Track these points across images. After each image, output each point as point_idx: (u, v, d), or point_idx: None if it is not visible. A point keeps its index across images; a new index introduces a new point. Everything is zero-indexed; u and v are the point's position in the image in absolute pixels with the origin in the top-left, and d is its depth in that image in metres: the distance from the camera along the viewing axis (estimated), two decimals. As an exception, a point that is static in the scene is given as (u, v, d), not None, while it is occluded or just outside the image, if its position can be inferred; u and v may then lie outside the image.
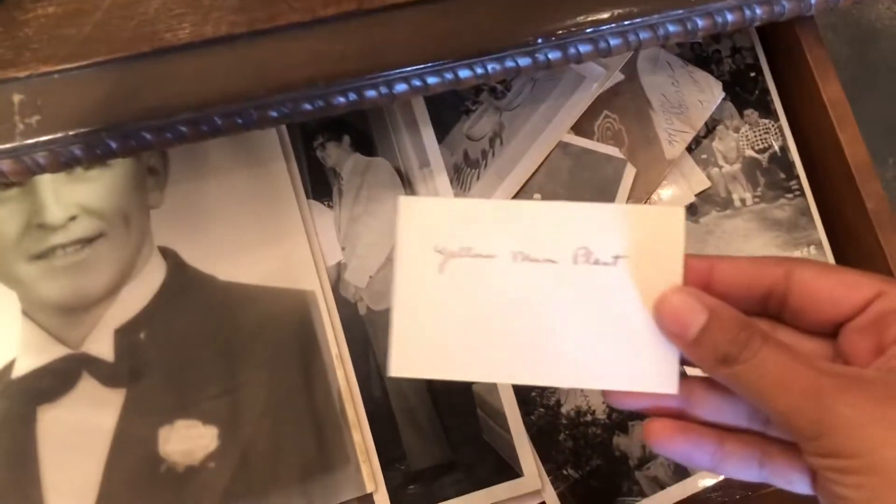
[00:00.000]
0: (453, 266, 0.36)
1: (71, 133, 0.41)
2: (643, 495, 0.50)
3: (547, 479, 0.49)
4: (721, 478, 0.51)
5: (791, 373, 0.30)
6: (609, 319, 0.35)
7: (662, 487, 0.50)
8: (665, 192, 0.54)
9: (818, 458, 0.29)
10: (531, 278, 0.36)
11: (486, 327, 0.36)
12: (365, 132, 0.53)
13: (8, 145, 0.40)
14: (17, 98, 0.40)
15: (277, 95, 0.42)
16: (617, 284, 0.35)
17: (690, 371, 0.36)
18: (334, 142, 0.53)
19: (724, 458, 0.34)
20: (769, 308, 0.34)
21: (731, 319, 0.32)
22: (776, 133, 0.55)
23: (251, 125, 0.44)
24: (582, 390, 0.51)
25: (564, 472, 0.50)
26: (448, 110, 0.54)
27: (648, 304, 0.35)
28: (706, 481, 0.50)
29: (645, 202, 0.53)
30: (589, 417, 0.51)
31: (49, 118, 0.40)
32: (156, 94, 0.41)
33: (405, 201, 0.36)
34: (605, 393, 0.35)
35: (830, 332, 0.34)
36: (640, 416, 0.51)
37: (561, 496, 0.49)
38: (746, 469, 0.34)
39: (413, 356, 0.36)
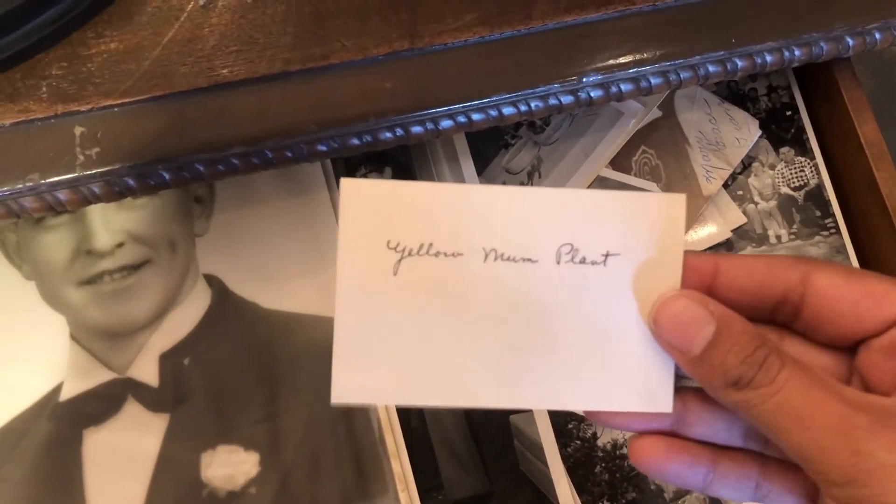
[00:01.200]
0: (410, 266, 0.29)
1: (127, 165, 0.42)
2: None
3: (583, 512, 0.50)
4: None
5: (817, 404, 0.25)
6: (596, 330, 0.30)
7: None
8: (702, 227, 0.54)
9: None
10: (506, 281, 0.30)
11: (450, 341, 0.29)
12: (406, 164, 0.54)
13: (68, 176, 0.41)
14: (78, 130, 0.41)
15: (329, 131, 0.44)
16: (607, 288, 0.30)
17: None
18: (376, 173, 0.54)
19: (717, 479, 0.30)
20: (779, 316, 0.30)
21: (745, 333, 0.26)
22: (812, 171, 0.55)
23: (301, 158, 0.45)
24: (617, 423, 0.52)
25: (600, 505, 0.50)
26: (488, 144, 0.55)
27: (644, 311, 0.29)
28: None
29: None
30: (625, 450, 0.51)
31: (108, 150, 0.42)
32: (211, 128, 0.42)
33: (348, 183, 0.29)
34: (588, 412, 0.31)
35: (848, 346, 0.29)
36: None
37: (598, 530, 0.49)
38: (741, 491, 0.30)
39: (360, 379, 0.30)
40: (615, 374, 0.30)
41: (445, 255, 0.29)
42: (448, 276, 0.29)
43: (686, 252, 0.29)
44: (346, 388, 0.30)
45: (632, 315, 0.29)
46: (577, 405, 0.31)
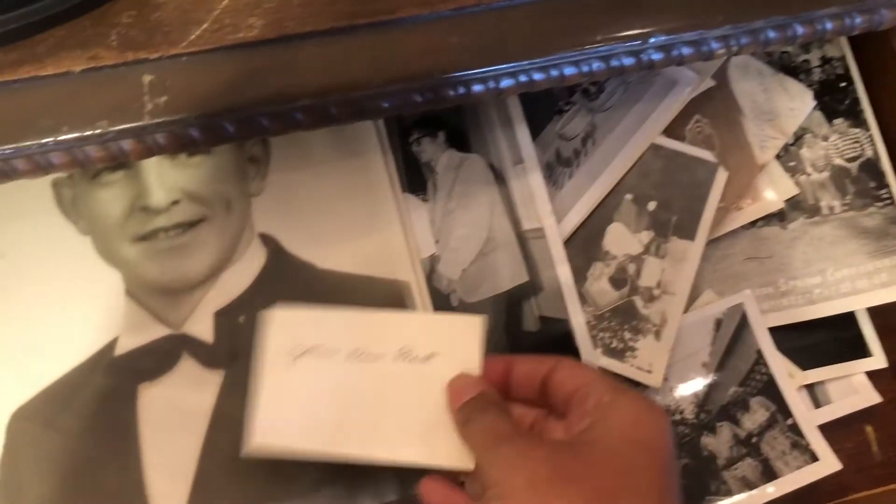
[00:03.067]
0: (305, 359, 0.44)
1: (194, 114, 0.42)
2: (731, 495, 0.50)
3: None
4: (811, 480, 0.51)
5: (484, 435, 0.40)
6: (421, 405, 0.43)
7: (751, 488, 0.50)
8: (754, 199, 0.54)
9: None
10: (364, 370, 0.44)
11: (327, 410, 0.43)
12: (460, 129, 0.54)
13: (136, 124, 0.41)
14: (147, 79, 0.41)
15: (393, 86, 0.43)
16: (429, 376, 0.44)
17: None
18: (430, 137, 0.54)
19: None
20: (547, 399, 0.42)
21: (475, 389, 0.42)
22: (867, 142, 0.55)
23: (363, 114, 0.45)
24: (672, 389, 0.52)
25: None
26: (541, 110, 0.55)
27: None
28: (795, 484, 0.50)
29: (735, 206, 0.53)
30: (678, 417, 0.51)
31: (175, 99, 0.41)
32: (278, 80, 0.42)
33: (270, 315, 0.45)
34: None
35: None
36: (727, 417, 0.52)
37: (654, 492, 0.49)
38: None
39: (269, 434, 0.43)
40: (435, 439, 0.42)
41: (327, 353, 0.44)
42: (328, 365, 0.44)
43: (486, 357, 0.43)
44: (259, 442, 0.43)
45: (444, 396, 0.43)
46: (408, 458, 0.43)
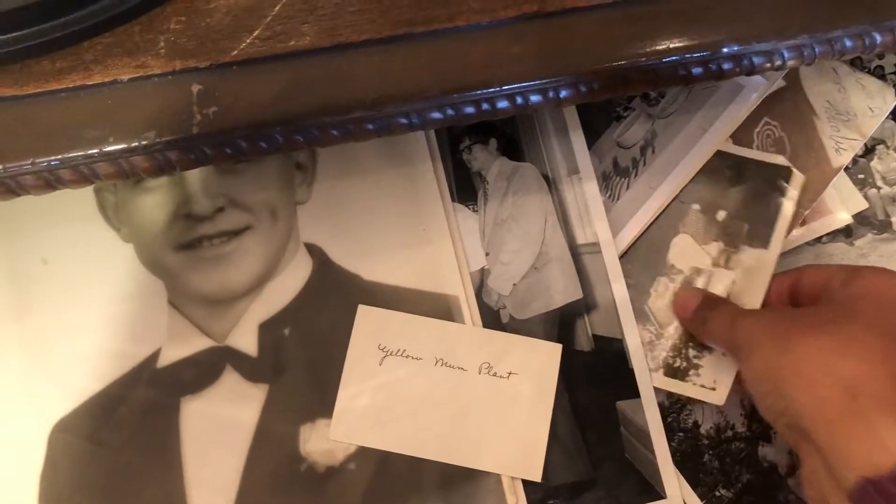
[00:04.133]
0: (390, 361, 0.48)
1: (244, 125, 0.40)
2: (802, 502, 0.48)
3: (698, 502, 0.48)
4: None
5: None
6: (499, 419, 0.47)
7: None
8: (820, 214, 0.52)
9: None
10: (446, 379, 0.48)
11: (407, 411, 0.47)
12: (512, 136, 0.52)
13: (183, 136, 0.40)
14: (196, 88, 0.40)
15: (451, 97, 0.42)
16: (509, 393, 0.48)
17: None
18: (481, 145, 0.52)
19: None
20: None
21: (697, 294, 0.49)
22: (943, 155, 0.52)
23: (415, 126, 0.43)
24: (718, 406, 0.50)
25: (717, 493, 0.48)
26: (599, 116, 0.52)
27: (530, 413, 0.48)
28: None
29: (807, 211, 0.51)
30: (730, 433, 0.49)
31: (225, 109, 0.40)
32: (331, 91, 0.41)
33: (363, 310, 0.48)
34: None
35: None
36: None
37: (716, 521, 0.48)
38: None
39: (350, 425, 0.47)
40: (508, 450, 0.47)
41: (412, 357, 0.48)
42: (411, 370, 0.48)
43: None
44: (340, 430, 0.47)
45: (521, 413, 0.48)
46: (480, 465, 0.47)
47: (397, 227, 0.50)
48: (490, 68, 0.41)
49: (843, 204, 0.52)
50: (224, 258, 0.49)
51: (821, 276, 0.44)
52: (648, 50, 0.42)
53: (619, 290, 0.49)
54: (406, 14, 0.41)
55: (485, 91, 0.42)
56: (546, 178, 0.51)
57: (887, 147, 0.53)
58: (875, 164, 0.53)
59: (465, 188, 0.51)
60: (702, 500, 0.48)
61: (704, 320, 0.46)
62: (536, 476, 0.47)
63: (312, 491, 0.46)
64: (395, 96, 0.41)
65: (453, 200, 0.51)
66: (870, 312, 0.38)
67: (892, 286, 0.40)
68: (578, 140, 0.51)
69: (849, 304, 0.40)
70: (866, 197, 0.52)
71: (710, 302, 0.47)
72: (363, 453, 0.47)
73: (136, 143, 0.40)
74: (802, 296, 0.46)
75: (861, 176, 0.53)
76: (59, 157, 0.39)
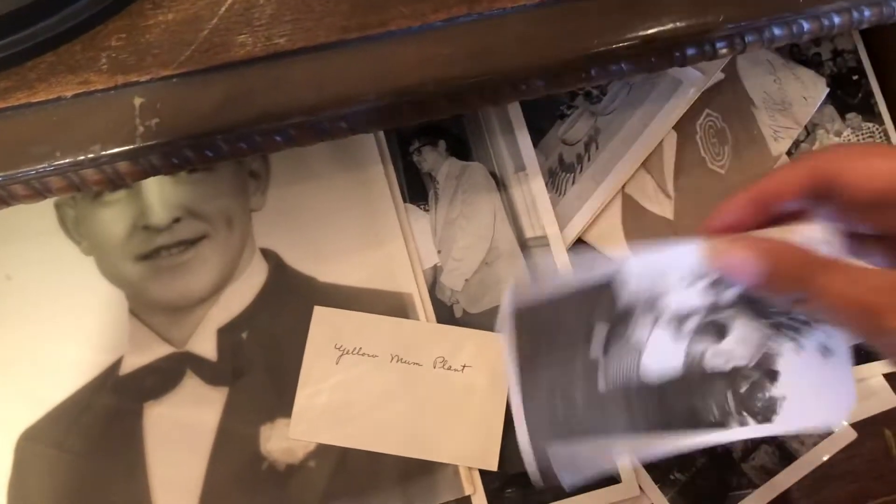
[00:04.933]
0: (346, 360, 0.49)
1: (186, 135, 0.42)
2: (754, 486, 0.49)
3: (653, 486, 0.49)
4: (828, 455, 0.50)
5: (848, 300, 0.30)
6: (454, 411, 0.48)
7: (771, 475, 0.49)
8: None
9: None
10: (402, 375, 0.49)
11: (364, 408, 0.48)
12: (460, 137, 0.53)
13: (128, 147, 0.41)
14: (137, 101, 0.41)
15: (387, 99, 0.43)
16: (463, 386, 0.49)
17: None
18: (430, 146, 0.53)
19: None
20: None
21: (793, 259, 0.31)
22: (880, 136, 0.53)
23: (358, 129, 0.45)
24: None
25: (671, 476, 0.49)
26: (543, 115, 0.54)
27: (485, 404, 0.48)
28: (813, 464, 0.50)
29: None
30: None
31: (167, 121, 0.41)
32: (269, 98, 0.42)
33: (318, 311, 0.49)
34: None
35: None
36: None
37: (672, 501, 0.48)
38: None
39: (309, 424, 0.48)
40: (465, 441, 0.48)
41: (368, 355, 0.49)
42: (367, 368, 0.49)
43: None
44: (299, 429, 0.48)
45: (478, 403, 0.49)
46: (440, 458, 0.48)
47: (351, 229, 0.51)
48: (423, 70, 0.43)
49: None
50: (182, 267, 0.50)
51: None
52: (572, 48, 0.44)
53: (569, 281, 0.51)
54: (340, 21, 0.42)
55: (419, 93, 0.44)
56: (494, 175, 0.53)
57: (827, 131, 0.54)
58: (816, 147, 0.54)
59: (416, 188, 0.53)
60: (656, 484, 0.49)
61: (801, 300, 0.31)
62: (493, 465, 0.48)
63: (274, 488, 0.48)
64: (332, 101, 0.42)
65: (405, 201, 0.52)
66: None
67: None
68: (524, 138, 0.53)
69: None
70: (809, 181, 0.53)
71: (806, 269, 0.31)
72: (323, 450, 0.48)
73: (83, 157, 0.41)
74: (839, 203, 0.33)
75: (803, 161, 0.54)
76: (9, 173, 0.41)
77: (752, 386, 0.34)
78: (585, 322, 0.34)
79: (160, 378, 0.49)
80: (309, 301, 0.50)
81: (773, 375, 0.34)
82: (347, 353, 0.49)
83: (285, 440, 0.48)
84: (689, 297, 0.33)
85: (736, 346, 0.34)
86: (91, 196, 0.51)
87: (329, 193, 0.52)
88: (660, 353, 0.34)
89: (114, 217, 0.51)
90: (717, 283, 0.33)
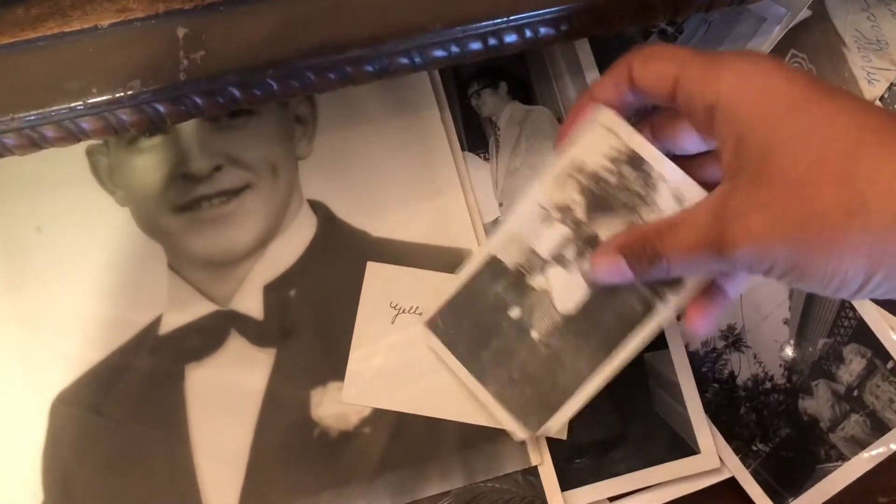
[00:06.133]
0: (402, 319, 0.45)
1: (234, 70, 0.38)
2: (844, 459, 0.45)
3: (733, 457, 0.45)
4: None
5: (691, 250, 0.32)
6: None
7: (863, 446, 0.45)
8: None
9: None
10: None
11: (422, 371, 0.44)
12: (523, 79, 0.49)
13: (170, 84, 0.37)
14: (181, 32, 0.37)
15: (454, 31, 0.39)
16: None
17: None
18: (490, 89, 0.49)
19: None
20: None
21: (635, 242, 0.35)
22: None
23: (417, 66, 0.40)
24: (756, 356, 0.47)
25: (753, 447, 0.45)
26: (615, 54, 0.49)
27: None
28: None
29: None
30: (768, 384, 0.47)
31: (213, 54, 0.37)
32: (325, 28, 0.38)
33: (372, 267, 0.46)
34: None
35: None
36: (821, 373, 0.46)
37: (754, 473, 0.45)
38: None
39: (363, 387, 0.45)
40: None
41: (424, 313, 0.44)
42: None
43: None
44: (352, 393, 0.45)
45: None
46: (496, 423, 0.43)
47: (405, 179, 0.48)
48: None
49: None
50: (224, 219, 0.47)
51: (661, 71, 0.33)
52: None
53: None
54: (404, -57, 0.38)
55: (491, 23, 0.39)
56: (560, 120, 0.48)
57: (924, 73, 0.49)
58: (912, 93, 0.49)
59: (475, 136, 0.48)
60: (737, 455, 0.45)
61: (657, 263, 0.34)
62: (562, 434, 0.45)
63: (326, 456, 0.44)
64: (393, 31, 0.38)
65: (463, 149, 0.48)
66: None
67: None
68: (594, 79, 0.48)
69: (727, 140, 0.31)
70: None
71: (648, 244, 0.35)
72: (378, 416, 0.45)
73: (122, 94, 0.37)
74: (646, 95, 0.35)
75: (897, 106, 0.49)
76: (40, 111, 0.37)
77: None
78: (493, 295, 0.40)
79: (202, 338, 0.46)
80: (361, 257, 0.46)
81: None
82: (404, 311, 0.46)
83: (338, 405, 0.45)
84: (552, 234, 0.39)
85: None
86: (125, 142, 0.47)
87: (381, 141, 0.48)
88: (564, 287, 0.39)
89: (150, 165, 0.47)
90: (564, 210, 0.38)
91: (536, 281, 0.40)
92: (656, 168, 0.37)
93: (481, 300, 0.41)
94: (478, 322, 0.41)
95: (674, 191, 0.37)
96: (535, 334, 0.40)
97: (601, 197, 0.38)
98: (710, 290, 0.37)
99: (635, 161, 0.37)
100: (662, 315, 0.38)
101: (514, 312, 0.40)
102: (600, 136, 0.37)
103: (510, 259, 0.40)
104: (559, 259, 0.39)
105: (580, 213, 0.38)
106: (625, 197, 0.37)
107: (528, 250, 0.40)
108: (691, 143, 0.38)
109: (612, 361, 0.39)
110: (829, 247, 0.28)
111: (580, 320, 0.39)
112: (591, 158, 0.38)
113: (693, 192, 0.36)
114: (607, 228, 0.38)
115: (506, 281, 0.40)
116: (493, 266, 0.40)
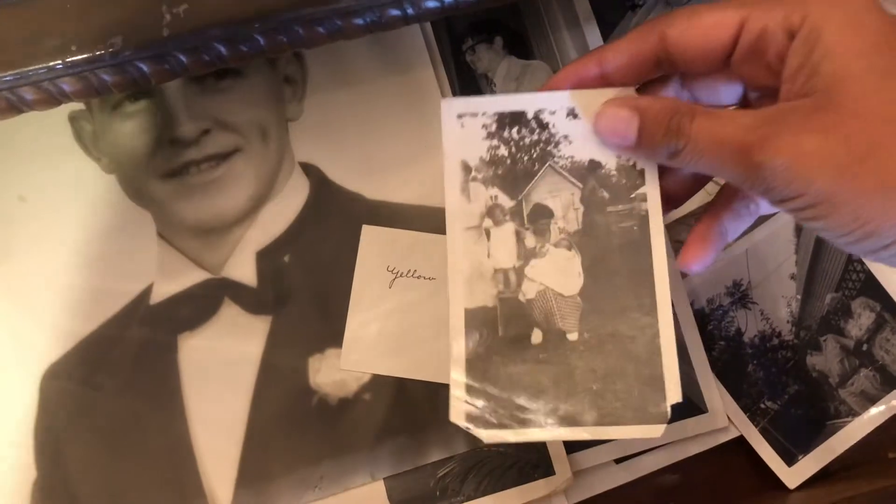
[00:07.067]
0: (400, 283, 0.44)
1: (220, 24, 0.36)
2: (854, 414, 0.44)
3: (741, 415, 0.44)
4: None
5: (720, 140, 0.30)
6: None
7: (874, 402, 0.45)
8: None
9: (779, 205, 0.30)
10: None
11: (422, 335, 0.43)
12: (519, 32, 0.48)
13: (153, 39, 0.36)
14: (163, -16, 0.35)
15: (447, -22, 0.37)
16: None
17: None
18: (485, 44, 0.47)
19: None
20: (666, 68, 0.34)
21: (661, 111, 0.32)
22: None
23: (410, 18, 0.39)
24: (762, 312, 0.46)
25: (762, 405, 0.45)
26: (613, 6, 0.48)
27: None
28: None
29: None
30: (775, 341, 0.46)
31: (197, 7, 0.36)
32: (314, -22, 0.36)
33: (367, 230, 0.44)
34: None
35: (722, 69, 0.33)
36: (829, 328, 0.46)
37: (763, 432, 0.44)
38: None
39: (362, 353, 0.43)
40: None
41: (424, 277, 0.44)
42: (423, 292, 0.43)
43: (572, 63, 0.34)
44: (351, 359, 0.44)
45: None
46: None
47: (399, 140, 0.46)
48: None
49: None
50: (214, 184, 0.45)
51: (719, 21, 0.31)
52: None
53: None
54: None
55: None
56: (558, 76, 0.47)
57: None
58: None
59: (471, 92, 0.47)
60: (745, 413, 0.45)
61: (672, 152, 0.32)
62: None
63: (326, 424, 0.43)
64: (385, -20, 0.37)
65: (458, 107, 0.47)
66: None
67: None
68: (592, 32, 0.47)
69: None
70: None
71: (675, 118, 0.32)
72: (378, 382, 0.44)
73: (102, 52, 0.36)
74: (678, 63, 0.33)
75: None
76: (17, 71, 0.35)
77: (615, 174, 0.34)
78: (501, 343, 0.35)
79: (195, 307, 0.44)
80: (356, 220, 0.45)
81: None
82: (401, 275, 0.44)
83: (336, 372, 0.44)
84: (500, 241, 0.34)
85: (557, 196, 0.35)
86: (109, 107, 0.45)
87: (373, 100, 0.46)
88: (554, 272, 0.35)
89: (136, 130, 0.45)
90: (492, 211, 0.34)
91: (527, 291, 0.34)
92: (532, 108, 0.34)
93: (496, 356, 0.34)
94: (512, 381, 0.34)
95: (568, 112, 0.34)
96: (571, 336, 0.34)
97: (511, 170, 0.34)
98: (709, 229, 0.35)
99: (508, 119, 0.34)
100: (653, 205, 0.34)
101: (536, 337, 0.34)
102: (461, 128, 0.34)
103: (485, 297, 0.34)
104: (526, 255, 0.34)
105: (505, 199, 0.34)
106: (531, 153, 0.34)
107: (491, 274, 0.34)
108: (728, 93, 0.35)
109: (658, 285, 0.33)
110: (882, 188, 0.27)
111: (593, 284, 0.34)
112: (471, 152, 0.34)
113: (584, 98, 0.34)
114: (543, 189, 0.34)
115: (500, 319, 0.34)
116: (476, 317, 0.34)
